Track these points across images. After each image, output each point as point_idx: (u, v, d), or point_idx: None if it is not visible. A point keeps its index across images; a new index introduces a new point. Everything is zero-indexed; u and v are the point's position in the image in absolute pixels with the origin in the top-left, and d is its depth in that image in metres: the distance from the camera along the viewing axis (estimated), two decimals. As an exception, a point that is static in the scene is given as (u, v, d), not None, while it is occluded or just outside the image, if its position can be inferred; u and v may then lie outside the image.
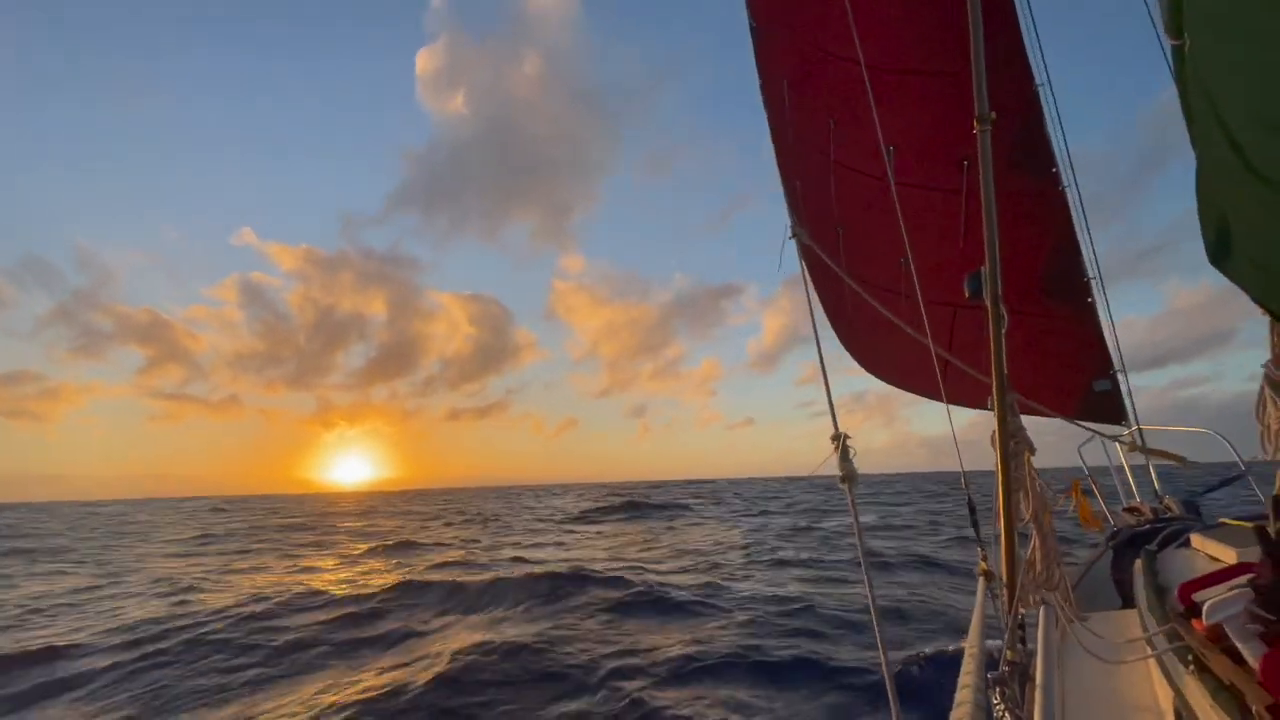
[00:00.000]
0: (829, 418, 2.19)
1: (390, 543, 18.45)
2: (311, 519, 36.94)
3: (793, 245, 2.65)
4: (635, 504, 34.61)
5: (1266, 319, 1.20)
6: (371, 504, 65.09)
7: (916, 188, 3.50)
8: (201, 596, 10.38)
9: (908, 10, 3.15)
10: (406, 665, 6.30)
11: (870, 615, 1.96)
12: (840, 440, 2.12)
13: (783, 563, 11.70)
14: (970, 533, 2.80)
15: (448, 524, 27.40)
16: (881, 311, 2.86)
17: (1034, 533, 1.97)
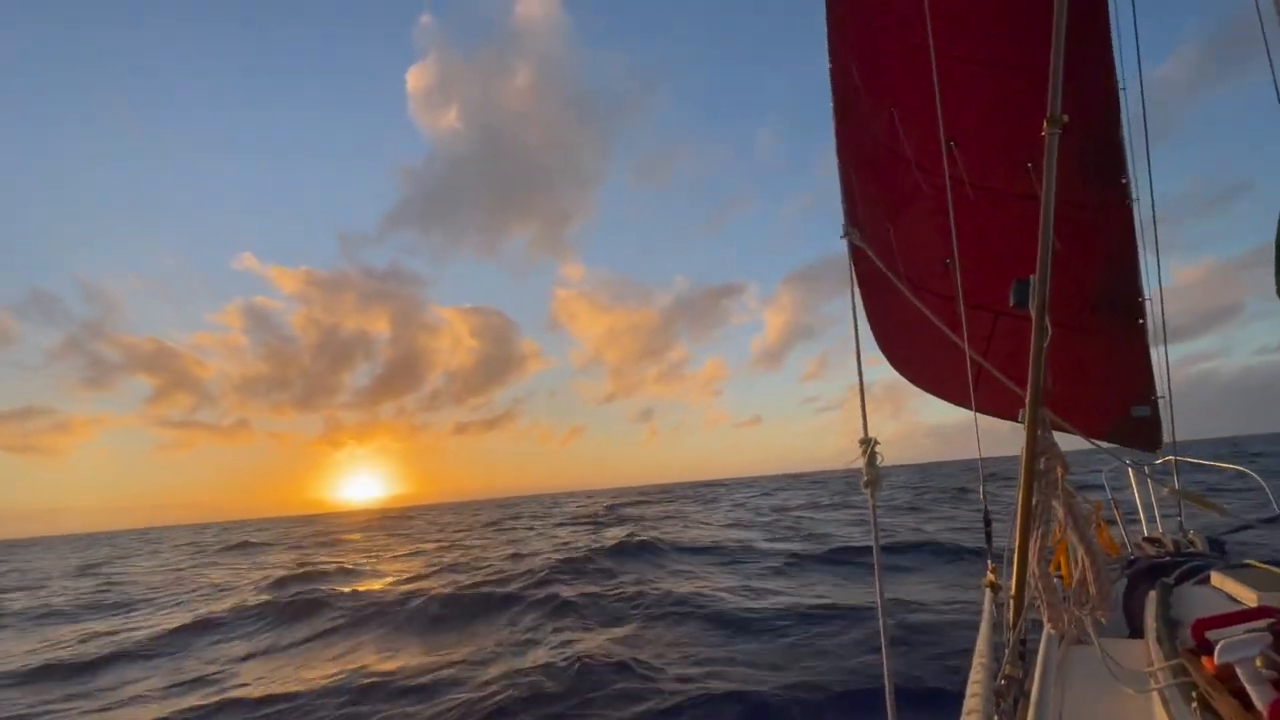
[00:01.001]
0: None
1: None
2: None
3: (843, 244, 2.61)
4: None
5: None
6: (408, 519, 61.09)
7: (972, 186, 3.35)
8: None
9: None
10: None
11: (879, 619, 1.97)
12: (870, 445, 2.11)
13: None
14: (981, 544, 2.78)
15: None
16: (923, 312, 2.80)
17: (1081, 551, 1.92)
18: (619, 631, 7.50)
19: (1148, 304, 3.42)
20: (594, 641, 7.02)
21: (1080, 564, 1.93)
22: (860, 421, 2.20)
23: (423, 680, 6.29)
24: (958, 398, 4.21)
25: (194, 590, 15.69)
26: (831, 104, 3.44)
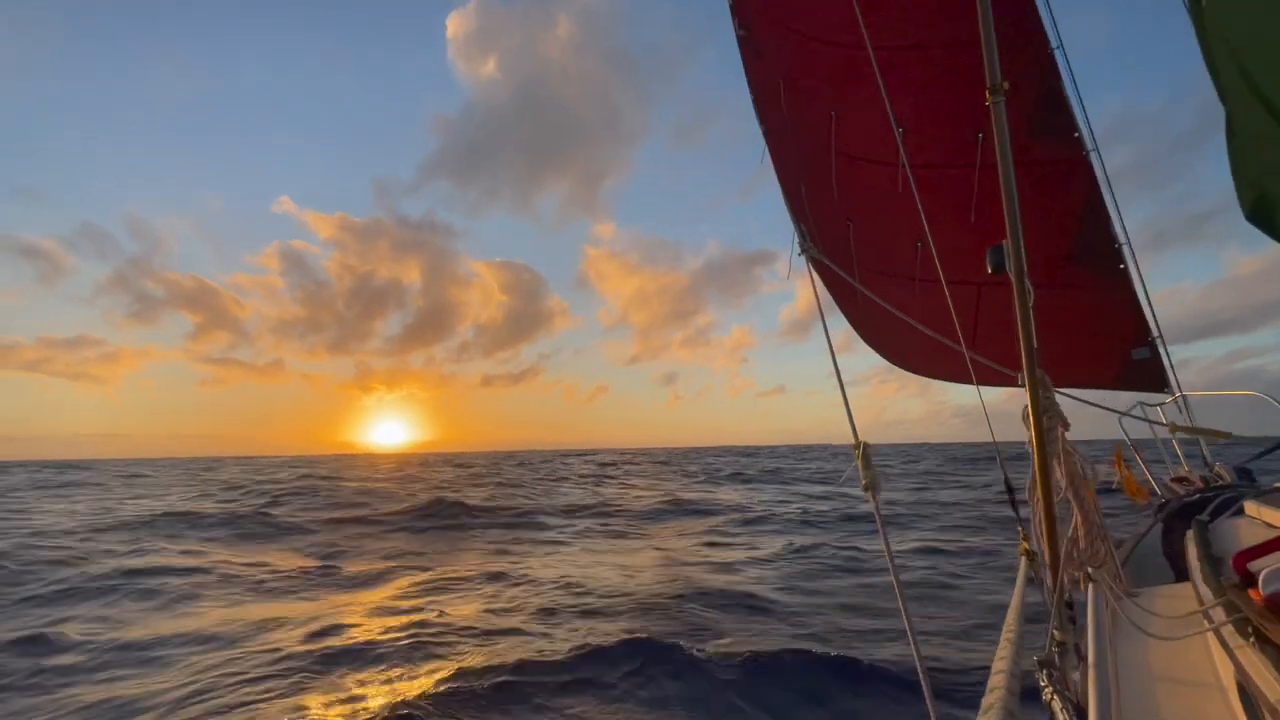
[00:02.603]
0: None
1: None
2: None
3: (803, 261, 2.63)
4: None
5: None
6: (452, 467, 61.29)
7: (930, 168, 3.38)
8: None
9: None
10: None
11: (902, 621, 1.96)
12: (861, 449, 2.12)
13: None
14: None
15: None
16: (898, 306, 2.85)
17: (1074, 508, 1.92)
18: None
19: (1125, 250, 3.47)
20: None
21: (1074, 522, 1.93)
22: (850, 421, 2.19)
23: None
24: (958, 375, 4.23)
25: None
26: (761, 131, 3.47)
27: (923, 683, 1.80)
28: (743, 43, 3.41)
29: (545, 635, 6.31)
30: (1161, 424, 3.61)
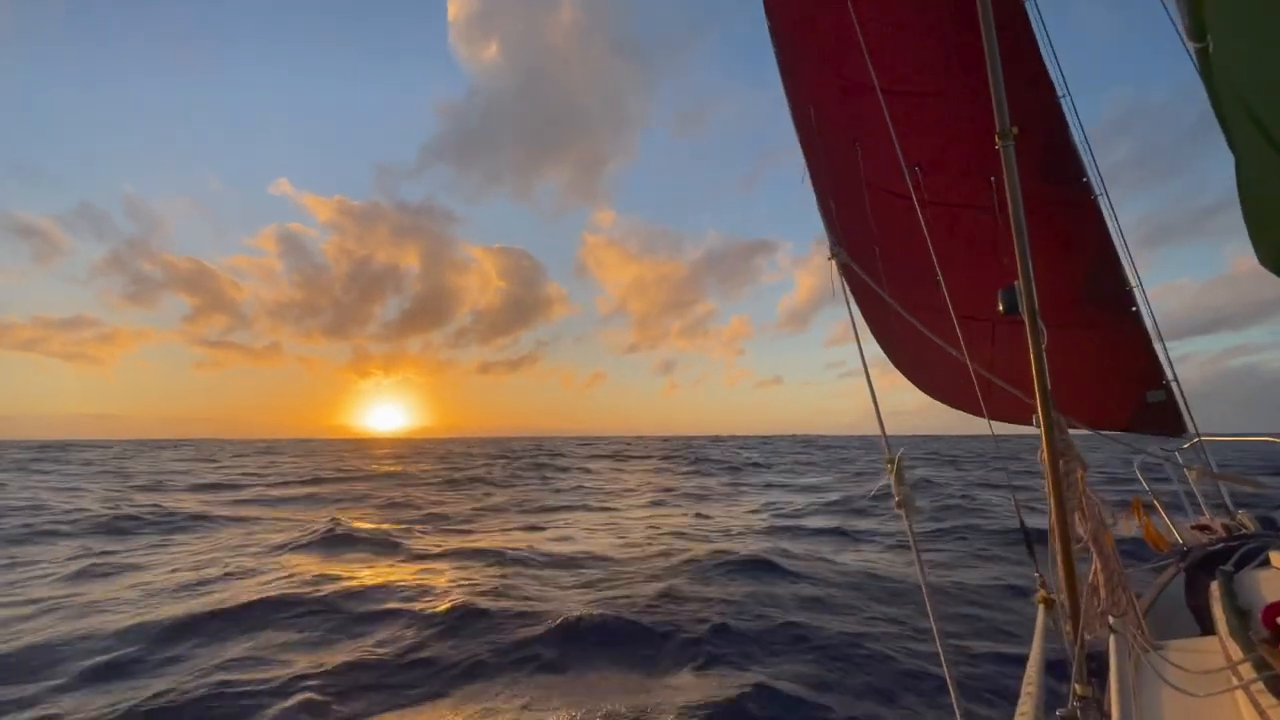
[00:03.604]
0: (859, 379, 2.34)
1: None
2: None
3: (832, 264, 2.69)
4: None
5: None
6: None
7: (947, 206, 3.50)
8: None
9: (923, 33, 3.13)
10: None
11: (935, 643, 1.96)
12: (896, 463, 2.05)
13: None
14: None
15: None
16: (920, 329, 2.92)
17: (1094, 556, 1.88)
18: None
19: (1136, 292, 3.54)
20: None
21: (1093, 570, 1.90)
22: (882, 431, 2.23)
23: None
24: (971, 408, 4.29)
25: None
26: (798, 140, 3.59)
27: (951, 690, 1.85)
28: (777, 57, 3.51)
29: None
30: (1180, 465, 3.59)
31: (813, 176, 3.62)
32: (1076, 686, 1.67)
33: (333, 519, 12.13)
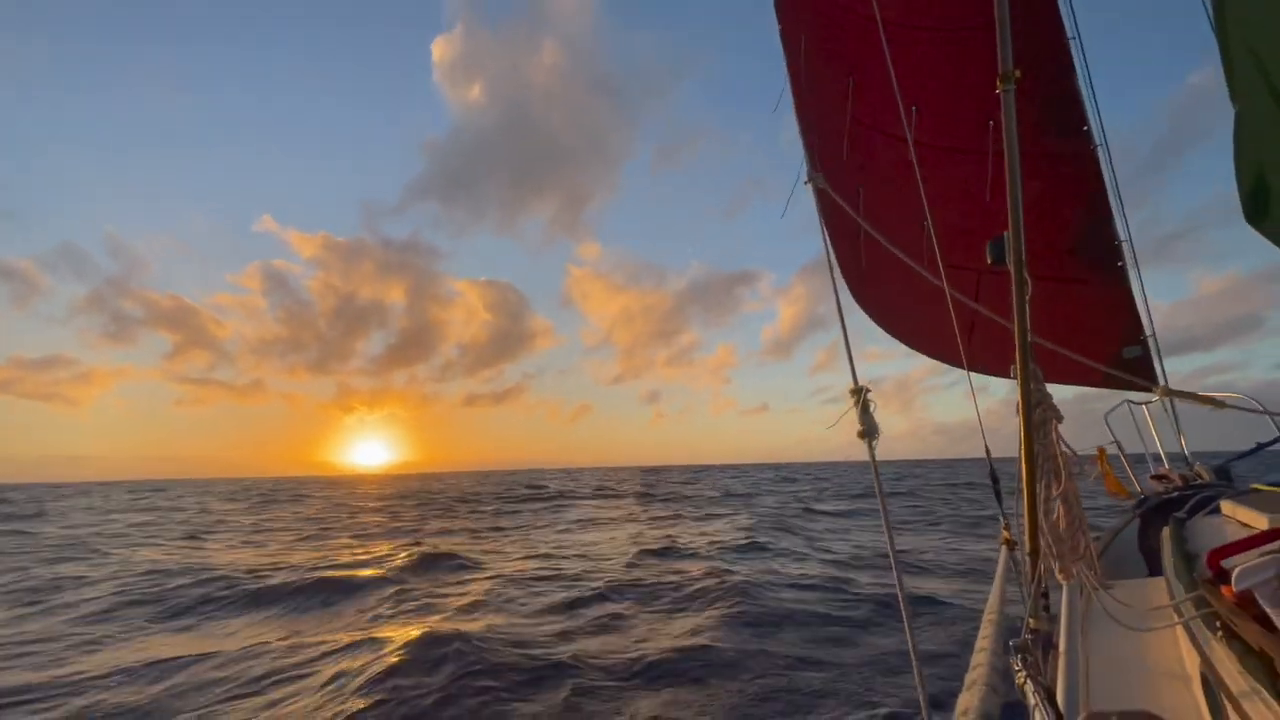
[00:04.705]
0: (843, 405, 2.05)
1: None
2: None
3: (805, 194, 2.47)
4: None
5: None
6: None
7: (940, 149, 3.35)
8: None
9: None
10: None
11: (895, 584, 1.94)
12: (861, 394, 2.04)
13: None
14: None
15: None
16: (901, 273, 2.82)
17: (1059, 501, 1.93)
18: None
19: (1125, 247, 3.47)
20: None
21: (1056, 515, 1.95)
22: (850, 364, 2.12)
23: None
24: (948, 356, 4.19)
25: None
26: (786, 68, 3.36)
27: (917, 682, 1.83)
28: None
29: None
30: (1154, 400, 3.65)
31: (796, 104, 3.40)
32: (1030, 620, 1.75)
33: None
